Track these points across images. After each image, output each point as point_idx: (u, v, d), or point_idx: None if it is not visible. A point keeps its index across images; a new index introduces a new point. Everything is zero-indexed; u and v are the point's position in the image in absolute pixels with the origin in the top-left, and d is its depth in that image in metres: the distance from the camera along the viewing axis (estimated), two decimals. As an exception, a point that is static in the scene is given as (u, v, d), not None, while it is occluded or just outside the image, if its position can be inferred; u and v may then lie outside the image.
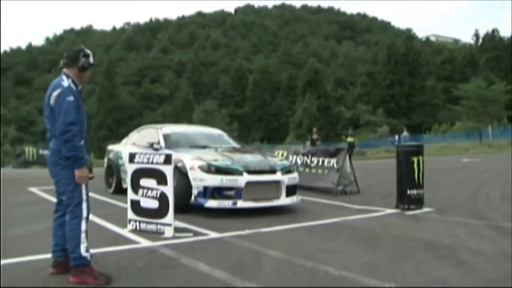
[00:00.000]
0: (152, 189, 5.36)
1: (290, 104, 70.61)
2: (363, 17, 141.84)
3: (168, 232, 5.18)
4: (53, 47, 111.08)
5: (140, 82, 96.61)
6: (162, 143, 7.89)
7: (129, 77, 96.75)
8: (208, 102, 58.82)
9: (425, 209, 7.10)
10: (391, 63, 64.32)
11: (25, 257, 4.19)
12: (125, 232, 5.38)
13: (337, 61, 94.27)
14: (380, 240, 5.05)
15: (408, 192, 7.19)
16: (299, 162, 10.40)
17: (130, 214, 5.53)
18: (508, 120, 44.38)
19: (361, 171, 12.30)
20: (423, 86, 64.04)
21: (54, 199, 3.80)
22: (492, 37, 72.54)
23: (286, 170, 7.16)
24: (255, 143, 52.06)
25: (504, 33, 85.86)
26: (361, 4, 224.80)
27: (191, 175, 6.62)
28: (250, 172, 6.64)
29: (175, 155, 6.67)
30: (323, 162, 9.90)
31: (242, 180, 6.50)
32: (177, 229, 5.30)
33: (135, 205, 5.49)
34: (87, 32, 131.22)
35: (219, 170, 6.56)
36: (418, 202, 7.23)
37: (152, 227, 5.32)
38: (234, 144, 8.78)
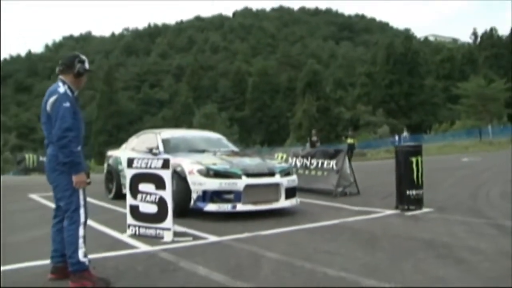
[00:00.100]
0: (150, 194, 5.37)
1: (290, 106, 70.63)
2: (361, 17, 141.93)
3: (167, 236, 5.18)
4: (53, 54, 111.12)
5: (139, 87, 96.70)
6: (161, 148, 7.90)
7: (128, 82, 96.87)
8: (208, 105, 58.82)
9: (424, 209, 7.09)
10: (390, 63, 64.41)
11: (24, 263, 4.20)
12: (124, 237, 5.39)
13: (336, 62, 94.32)
14: (379, 241, 5.05)
15: (408, 192, 7.18)
16: (298, 164, 10.40)
17: (129, 219, 5.54)
18: (508, 118, 44.40)
19: (361, 172, 12.31)
20: (422, 85, 64.11)
21: (53, 205, 3.81)
22: (491, 35, 72.68)
23: (285, 173, 7.17)
24: (256, 146, 52.04)
25: (503, 31, 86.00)
26: (359, 5, 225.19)
27: (190, 179, 6.63)
28: (249, 175, 6.65)
29: (174, 159, 6.69)
30: (322, 164, 9.90)
31: (241, 183, 6.51)
32: (176, 234, 5.30)
33: (134, 210, 5.50)
34: (86, 39, 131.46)
35: (218, 174, 6.56)
36: (418, 202, 7.22)
37: (151, 231, 5.32)
38: (233, 147, 8.79)
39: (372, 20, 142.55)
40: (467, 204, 7.72)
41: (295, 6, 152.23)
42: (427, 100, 63.35)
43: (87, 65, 3.71)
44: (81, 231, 3.54)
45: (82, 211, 3.57)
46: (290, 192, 7.10)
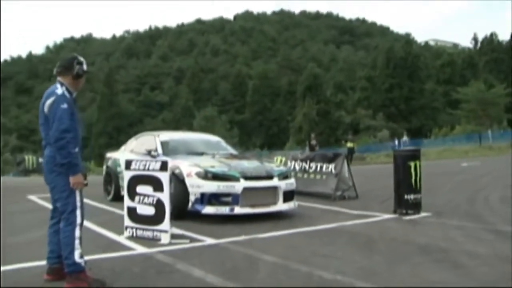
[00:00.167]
0: (148, 196, 5.37)
1: (290, 109, 70.67)
2: (362, 21, 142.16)
3: (165, 238, 5.19)
4: (54, 56, 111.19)
5: (140, 90, 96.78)
6: (160, 150, 7.91)
7: (129, 85, 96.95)
8: (208, 108, 58.92)
9: (423, 214, 7.09)
10: (390, 67, 64.52)
11: (21, 264, 4.21)
12: (122, 239, 5.39)
13: (336, 65, 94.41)
14: (376, 245, 5.05)
15: (406, 196, 7.18)
16: (297, 167, 10.40)
17: (127, 221, 5.55)
18: (508, 122, 44.40)
19: (360, 176, 12.32)
20: (422, 90, 64.19)
21: (51, 207, 3.82)
22: (491, 40, 72.80)
23: (283, 176, 7.17)
24: (256, 149, 52.08)
25: (503, 36, 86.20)
26: (360, 9, 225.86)
27: (188, 181, 6.63)
28: (247, 178, 6.65)
29: (173, 162, 6.71)
30: (321, 167, 9.90)
31: (239, 186, 6.51)
32: (173, 236, 5.31)
33: (132, 212, 5.51)
34: (87, 40, 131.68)
35: (216, 177, 6.57)
36: (416, 206, 7.22)
37: (148, 233, 5.32)
38: (232, 150, 8.79)
39: (373, 24, 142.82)
40: (465, 208, 7.72)
41: (296, 9, 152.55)
42: (427, 104, 63.40)
43: (85, 67, 3.72)
44: (77, 233, 3.54)
45: (78, 212, 3.57)
46: (288, 195, 7.10)
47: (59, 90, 3.56)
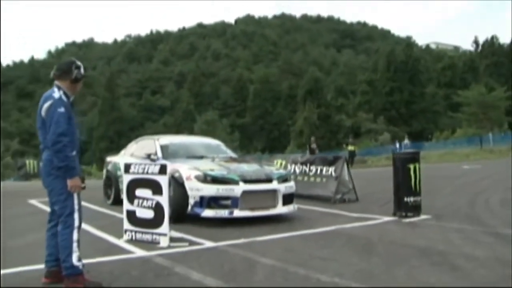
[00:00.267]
0: (147, 199, 5.38)
1: (291, 113, 70.71)
2: (363, 25, 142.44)
3: (164, 241, 5.19)
4: (55, 60, 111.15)
5: (141, 94, 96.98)
6: (159, 154, 7.93)
7: (130, 89, 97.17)
8: (209, 112, 58.96)
9: (422, 216, 7.08)
10: (390, 71, 64.59)
11: (19, 267, 4.23)
12: (121, 242, 5.40)
13: (337, 69, 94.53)
14: (375, 248, 5.05)
15: (405, 199, 7.17)
16: (297, 171, 10.41)
17: (126, 224, 5.56)
18: (509, 126, 44.39)
19: (361, 179, 12.31)
20: (423, 93, 64.24)
21: (51, 210, 3.84)
22: (492, 43, 72.89)
23: (283, 179, 7.17)
24: (257, 153, 52.07)
25: (505, 39, 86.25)
26: (361, 12, 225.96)
27: (187, 185, 6.64)
28: (246, 181, 6.66)
29: (172, 165, 6.73)
30: (321, 170, 9.90)
31: (238, 189, 6.52)
32: (172, 239, 5.32)
33: (131, 215, 5.52)
34: (89, 45, 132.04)
35: (215, 180, 6.58)
36: (416, 209, 7.21)
37: (147, 237, 5.33)
38: (231, 154, 8.81)
39: (374, 27, 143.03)
40: (465, 211, 7.71)
41: (297, 13, 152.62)
42: (428, 108, 63.42)
43: (83, 71, 3.75)
44: (75, 235, 3.56)
45: (76, 215, 3.59)
46: (288, 198, 7.10)
47: (57, 94, 3.59)
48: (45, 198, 3.78)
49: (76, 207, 3.59)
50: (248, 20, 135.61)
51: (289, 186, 7.22)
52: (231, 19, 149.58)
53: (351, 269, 4.13)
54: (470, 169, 18.63)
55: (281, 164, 10.76)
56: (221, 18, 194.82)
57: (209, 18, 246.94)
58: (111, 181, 9.27)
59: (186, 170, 6.80)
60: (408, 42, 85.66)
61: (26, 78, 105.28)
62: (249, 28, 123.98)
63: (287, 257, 4.57)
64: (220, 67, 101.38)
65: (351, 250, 4.96)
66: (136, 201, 5.47)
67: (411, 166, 7.21)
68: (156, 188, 5.32)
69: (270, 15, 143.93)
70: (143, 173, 5.46)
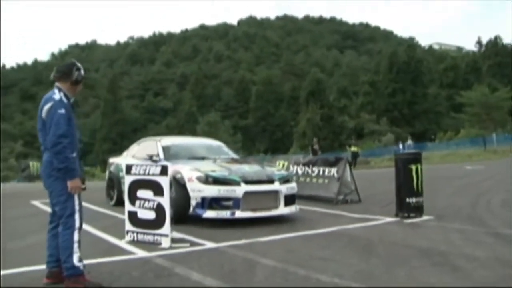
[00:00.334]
0: (149, 200, 5.40)
1: (294, 115, 70.71)
2: (365, 26, 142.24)
3: (165, 242, 5.21)
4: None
5: (143, 96, 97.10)
6: (161, 155, 7.94)
7: (133, 91, 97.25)
8: (212, 114, 59.01)
9: (424, 217, 7.08)
10: (393, 72, 64.52)
11: (21, 268, 4.25)
12: (122, 243, 5.42)
13: (340, 70, 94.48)
14: (376, 248, 5.05)
15: (407, 200, 7.17)
16: (300, 172, 10.41)
17: (128, 225, 5.57)
18: (512, 126, 44.21)
19: (364, 180, 12.31)
20: (425, 94, 64.14)
21: (53, 211, 3.86)
22: (495, 44, 72.65)
23: (284, 180, 7.18)
24: (260, 154, 52.06)
25: (507, 40, 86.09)
26: (363, 13, 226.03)
27: (189, 186, 6.66)
28: (247, 182, 6.67)
29: (174, 166, 6.75)
30: (323, 171, 9.90)
31: (239, 190, 6.53)
32: (174, 240, 5.33)
33: (133, 216, 5.54)
34: (92, 47, 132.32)
35: (217, 181, 6.59)
36: (418, 210, 7.21)
37: (149, 237, 5.35)
38: (233, 155, 8.82)
39: (377, 28, 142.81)
40: (467, 212, 7.70)
41: (300, 14, 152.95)
42: (431, 108, 63.32)
43: (83, 73, 3.77)
44: (76, 236, 3.57)
45: (77, 216, 3.60)
46: (289, 199, 7.11)
47: (57, 95, 3.61)
48: (47, 199, 3.80)
49: (76, 208, 3.60)
50: (250, 21, 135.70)
51: (291, 187, 7.23)
52: (233, 21, 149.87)
53: (351, 269, 4.13)
54: (473, 170, 18.59)
55: (283, 165, 10.76)
56: (223, 19, 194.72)
57: (211, 19, 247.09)
58: (114, 183, 9.30)
59: (188, 171, 6.81)
60: (410, 43, 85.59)
61: (30, 81, 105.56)
62: (251, 29, 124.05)
63: (288, 258, 4.57)
64: (222, 69, 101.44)
65: (352, 250, 4.96)
66: (137, 202, 5.49)
67: (413, 167, 7.21)
68: (157, 189, 5.34)
69: (272, 17, 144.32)
70: (144, 174, 5.48)
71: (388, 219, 7.04)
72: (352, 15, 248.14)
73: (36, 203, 10.07)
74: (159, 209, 5.31)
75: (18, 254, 5.07)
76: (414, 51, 70.90)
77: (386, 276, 3.91)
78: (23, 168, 24.77)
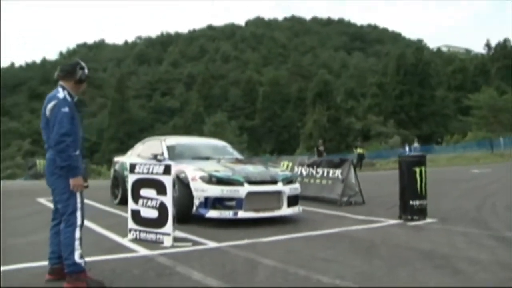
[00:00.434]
0: (152, 199, 5.43)
1: (301, 116, 70.67)
2: (373, 28, 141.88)
3: (167, 241, 5.23)
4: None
5: (151, 96, 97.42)
6: (166, 155, 7.97)
7: (140, 91, 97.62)
8: (218, 114, 59.10)
9: (428, 220, 7.05)
10: (400, 74, 64.35)
11: (24, 264, 4.30)
12: (125, 241, 5.45)
13: (347, 72, 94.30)
14: (378, 250, 5.04)
15: (411, 202, 7.15)
16: (304, 173, 10.41)
17: (131, 224, 5.61)
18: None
19: (369, 182, 12.27)
20: (433, 96, 63.88)
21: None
22: (504, 46, 72.21)
23: (288, 181, 7.18)
24: (266, 155, 52.07)
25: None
26: (371, 15, 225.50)
27: (192, 185, 6.68)
28: (251, 182, 6.68)
29: (178, 166, 6.78)
30: (328, 173, 9.90)
31: (243, 190, 6.54)
32: (176, 239, 5.36)
33: (136, 214, 5.57)
34: (99, 46, 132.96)
35: (220, 181, 6.60)
36: (421, 212, 7.18)
37: (151, 236, 5.38)
38: (237, 155, 8.83)
39: (385, 30, 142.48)
40: (472, 215, 7.66)
41: (307, 16, 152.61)
42: (438, 111, 63.06)
43: (87, 72, 3.80)
44: (77, 233, 3.60)
45: (78, 214, 3.64)
46: (293, 200, 7.11)
47: (61, 94, 3.65)
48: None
49: (78, 205, 3.63)
50: (258, 22, 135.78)
51: (294, 188, 7.23)
52: (241, 21, 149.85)
53: (352, 271, 4.13)
54: (480, 173, 18.48)
55: (287, 166, 10.76)
56: (231, 20, 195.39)
57: (219, 20, 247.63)
58: (118, 181, 9.34)
59: (192, 171, 6.83)
60: (418, 45, 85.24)
61: (38, 79, 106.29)
62: (259, 30, 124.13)
63: (289, 259, 4.58)
64: (229, 69, 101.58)
65: (354, 252, 4.95)
66: (140, 201, 5.52)
67: (417, 170, 7.19)
68: (160, 188, 5.37)
69: (280, 17, 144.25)
70: (148, 173, 5.51)
71: (392, 221, 7.03)
72: (360, 17, 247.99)
73: (42, 200, 10.14)
74: (162, 208, 5.34)
75: (22, 250, 5.13)
76: (422, 53, 70.66)
77: (387, 278, 3.90)
78: (30, 166, 24.98)
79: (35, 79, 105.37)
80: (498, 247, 5.10)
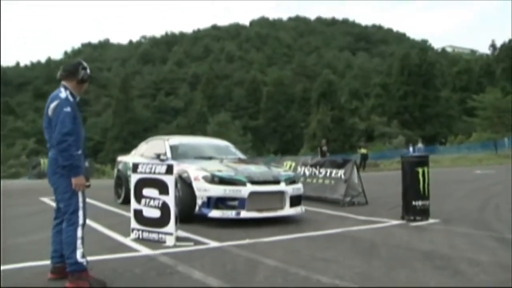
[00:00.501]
0: (154, 199, 5.45)
1: (305, 116, 70.63)
2: (378, 28, 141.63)
3: (169, 241, 5.26)
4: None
5: (155, 95, 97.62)
6: (169, 154, 8.00)
7: (144, 90, 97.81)
8: (222, 114, 59.15)
9: (430, 220, 7.06)
10: (404, 74, 64.17)
11: (27, 263, 4.34)
12: (128, 240, 5.48)
13: (351, 72, 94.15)
14: (379, 250, 5.05)
15: (413, 203, 7.15)
16: (307, 173, 10.42)
17: (133, 223, 5.64)
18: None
19: (372, 182, 12.25)
20: (437, 97, 63.65)
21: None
22: (509, 47, 71.88)
23: (290, 181, 7.20)
24: (270, 155, 52.07)
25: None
26: (376, 15, 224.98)
27: (195, 185, 6.70)
28: (253, 182, 6.69)
29: (181, 166, 6.81)
30: (330, 173, 9.90)
31: (245, 190, 6.55)
32: (178, 238, 5.38)
33: (138, 214, 5.60)
34: (104, 46, 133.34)
35: (223, 181, 6.62)
36: (424, 213, 7.18)
37: (154, 236, 5.40)
38: (240, 155, 8.85)
39: (389, 30, 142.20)
40: (474, 216, 7.65)
41: (312, 16, 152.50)
42: (442, 112, 62.83)
43: (89, 72, 3.83)
44: (79, 233, 3.63)
45: (80, 213, 3.66)
46: (295, 200, 7.12)
47: (63, 93, 3.68)
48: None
49: (80, 205, 3.66)
50: (262, 22, 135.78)
51: (297, 188, 7.24)
52: (245, 21, 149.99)
53: (352, 271, 4.14)
54: (483, 174, 18.42)
55: (290, 166, 10.77)
56: (235, 20, 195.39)
57: (224, 20, 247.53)
58: (122, 181, 9.37)
59: (194, 170, 6.85)
60: (423, 46, 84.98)
61: (42, 79, 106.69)
62: (263, 30, 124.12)
63: (290, 259, 4.59)
64: (233, 69, 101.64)
65: (355, 252, 4.96)
66: (143, 201, 5.55)
67: (420, 170, 7.19)
68: (162, 187, 5.39)
69: (284, 17, 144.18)
70: (150, 172, 5.54)
71: (394, 222, 7.03)
72: (365, 17, 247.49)
73: (45, 199, 10.18)
74: (164, 208, 5.36)
75: (24, 249, 5.16)
76: (427, 53, 70.44)
77: (386, 278, 3.92)
78: (34, 165, 25.09)
79: (40, 78, 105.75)
80: (499, 249, 5.10)
